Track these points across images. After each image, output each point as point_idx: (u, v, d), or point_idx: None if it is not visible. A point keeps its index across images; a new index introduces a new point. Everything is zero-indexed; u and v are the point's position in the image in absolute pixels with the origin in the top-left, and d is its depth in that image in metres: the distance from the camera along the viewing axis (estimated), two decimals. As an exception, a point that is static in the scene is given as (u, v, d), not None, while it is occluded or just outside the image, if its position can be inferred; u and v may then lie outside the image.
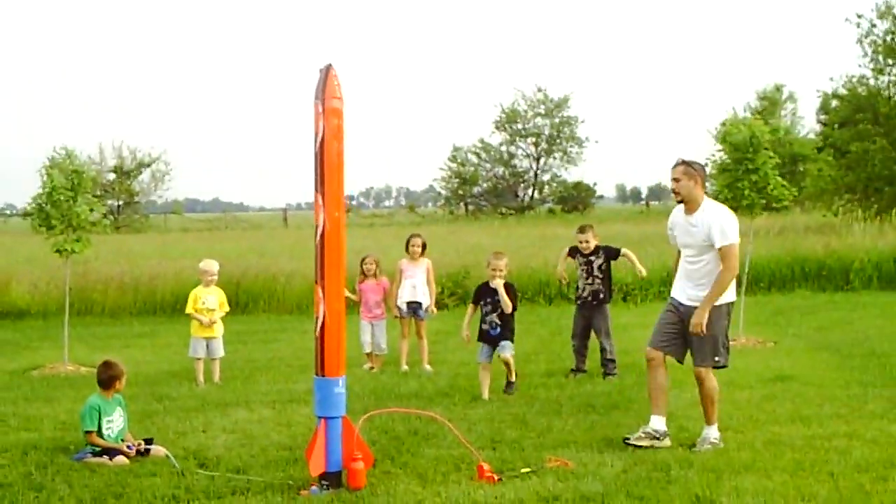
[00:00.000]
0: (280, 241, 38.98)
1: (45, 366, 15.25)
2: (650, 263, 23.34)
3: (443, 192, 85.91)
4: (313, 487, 7.87)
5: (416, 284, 14.33)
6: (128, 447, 9.23)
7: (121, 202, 73.16)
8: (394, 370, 13.99)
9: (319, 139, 7.95)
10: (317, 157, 7.99)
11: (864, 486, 7.50)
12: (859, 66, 41.54)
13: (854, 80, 40.29)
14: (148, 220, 74.74)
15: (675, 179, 9.36)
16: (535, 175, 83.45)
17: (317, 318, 8.05)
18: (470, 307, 12.42)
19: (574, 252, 13.72)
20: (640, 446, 9.05)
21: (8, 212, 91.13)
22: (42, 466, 8.88)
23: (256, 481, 8.12)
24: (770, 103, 71.15)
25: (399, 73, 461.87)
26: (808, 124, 70.18)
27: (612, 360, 13.22)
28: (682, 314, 9.38)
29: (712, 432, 9.28)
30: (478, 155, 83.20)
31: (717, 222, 9.14)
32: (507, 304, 11.89)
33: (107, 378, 9.63)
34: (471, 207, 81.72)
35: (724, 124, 16.28)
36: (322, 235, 8.01)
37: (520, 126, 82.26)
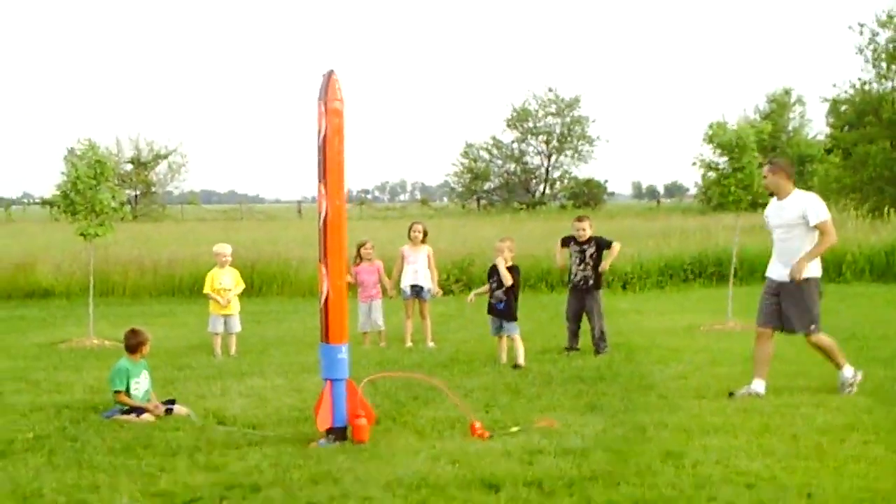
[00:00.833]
0: (294, 231, 39.73)
1: (71, 340, 16.23)
2: (650, 255, 24.35)
3: (456, 187, 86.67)
4: (321, 440, 8.69)
5: (418, 269, 15.27)
6: (154, 406, 10.11)
7: (138, 192, 74.04)
8: (398, 346, 14.90)
9: (322, 136, 8.86)
10: (320, 152, 8.91)
11: (821, 445, 8.25)
12: (862, 70, 42.25)
13: (857, 85, 40.94)
14: (165, 210, 75.65)
15: (764, 177, 11.34)
16: (547, 172, 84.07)
17: (321, 292, 8.94)
18: (486, 286, 13.79)
19: (567, 241, 14.55)
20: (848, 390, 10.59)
21: (26, 200, 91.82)
22: (75, 422, 9.78)
23: (270, 436, 8.96)
24: (779, 105, 71.91)
25: (415, 72, 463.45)
26: (817, 126, 70.90)
27: (604, 340, 14.04)
28: (778, 289, 10.96)
29: (846, 371, 10.80)
30: (489, 152, 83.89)
31: (809, 205, 10.79)
32: (505, 278, 13.14)
33: (134, 343, 10.51)
34: (483, 202, 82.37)
35: (710, 126, 16.95)
36: (325, 221, 8.93)
37: (531, 124, 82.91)
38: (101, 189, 16.15)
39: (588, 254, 14.19)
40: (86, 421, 9.83)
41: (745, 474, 7.38)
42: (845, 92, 41.59)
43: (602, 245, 14.29)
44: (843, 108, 42.69)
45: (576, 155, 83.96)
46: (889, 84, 39.71)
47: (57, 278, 23.39)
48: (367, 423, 8.81)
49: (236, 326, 14.59)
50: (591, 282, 14.21)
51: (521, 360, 13.00)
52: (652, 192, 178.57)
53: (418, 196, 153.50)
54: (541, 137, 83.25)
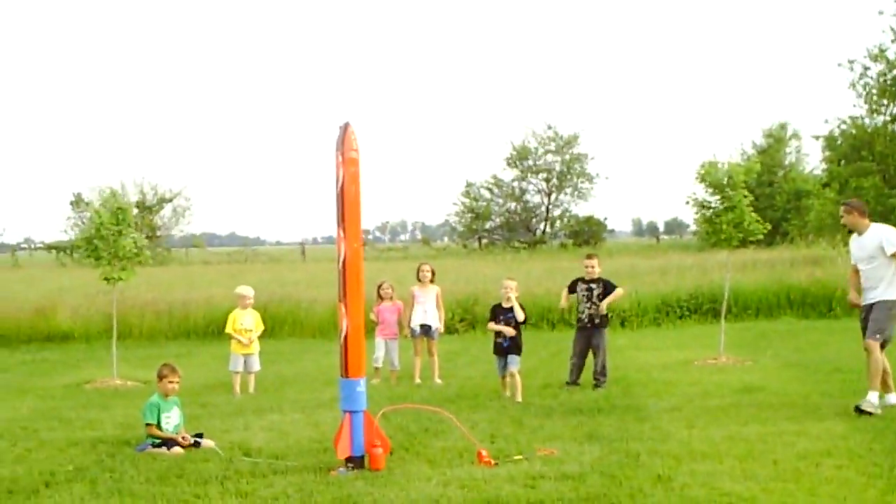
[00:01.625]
0: (299, 273, 40.56)
1: (95, 380, 17.02)
2: (647, 293, 25.14)
3: (457, 226, 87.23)
4: (341, 469, 9.46)
5: (427, 309, 16.09)
6: (182, 438, 10.91)
7: (144, 236, 74.70)
8: (408, 383, 15.68)
9: (340, 184, 9.71)
10: (338, 198, 9.74)
11: (799, 469, 9.02)
12: (854, 106, 42.85)
13: (849, 121, 41.64)
14: (170, 253, 76.42)
15: (842, 216, 12.73)
16: (547, 210, 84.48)
17: (340, 330, 9.78)
18: (490, 324, 14.50)
19: (574, 285, 15.36)
20: (869, 413, 11.68)
21: (26, 246, 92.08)
22: (110, 455, 10.58)
23: (293, 465, 9.74)
24: (775, 140, 72.66)
25: (414, 111, 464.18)
26: (813, 161, 71.56)
27: (604, 375, 14.86)
28: (868, 310, 12.41)
29: (872, 396, 11.95)
30: (490, 190, 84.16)
31: (885, 236, 12.30)
32: (518, 314, 14.07)
33: (158, 373, 11.52)
34: (484, 241, 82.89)
35: (702, 166, 17.71)
36: (343, 262, 9.73)
37: (531, 162, 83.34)
38: (123, 235, 16.94)
39: (595, 293, 15.02)
40: (120, 454, 10.60)
41: (728, 495, 8.14)
42: (838, 128, 42.34)
43: (609, 288, 15.10)
44: (839, 141, 43.30)
45: (575, 193, 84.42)
46: (881, 119, 40.43)
47: (75, 322, 24.17)
48: (383, 452, 9.61)
49: (256, 365, 15.42)
50: (597, 320, 15.01)
51: (518, 398, 13.72)
52: (652, 229, 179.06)
53: (419, 236, 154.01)
54: (541, 175, 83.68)
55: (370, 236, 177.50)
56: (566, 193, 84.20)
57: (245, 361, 15.30)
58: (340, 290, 9.80)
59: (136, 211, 74.61)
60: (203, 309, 24.22)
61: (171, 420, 11.17)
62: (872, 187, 38.07)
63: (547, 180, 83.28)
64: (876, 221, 12.94)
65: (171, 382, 11.44)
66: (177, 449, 10.71)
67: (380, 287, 16.27)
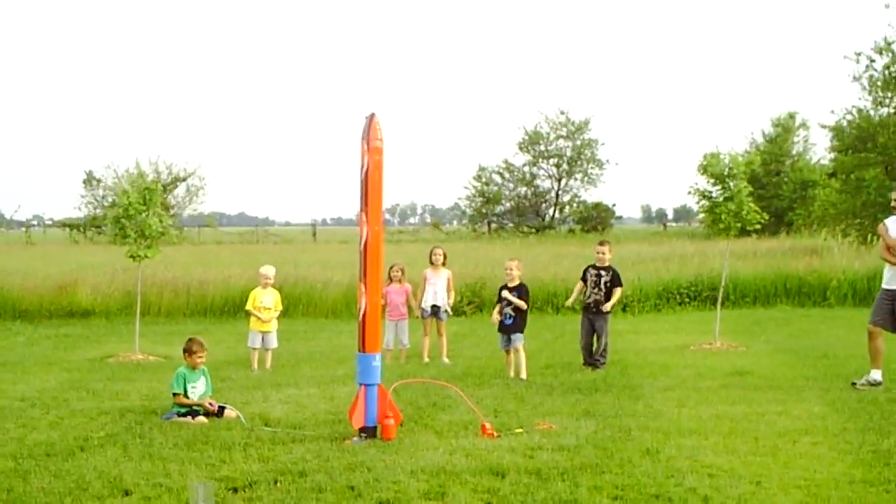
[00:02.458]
0: (311, 255, 41.22)
1: (118, 355, 17.81)
2: (649, 279, 25.90)
3: (467, 210, 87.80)
4: (355, 438, 10.25)
5: (438, 291, 16.88)
6: (209, 404, 11.72)
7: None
8: (417, 361, 16.48)
9: (364, 170, 10.45)
10: (362, 185, 10.49)
11: (777, 445, 9.78)
12: (859, 98, 43.29)
13: (854, 112, 42.11)
14: (182, 232, 77.05)
15: (894, 198, 13.31)
16: (557, 195, 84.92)
17: (359, 307, 10.57)
18: (505, 292, 15.25)
19: (585, 272, 16.22)
20: (862, 390, 12.80)
21: (35, 223, 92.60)
22: (139, 423, 11.37)
23: (310, 434, 10.53)
24: (784, 130, 72.99)
25: (426, 95, 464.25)
26: (821, 150, 71.93)
27: (604, 357, 15.67)
28: (893, 298, 13.11)
29: (875, 374, 13.11)
30: (501, 175, 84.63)
31: None
32: (518, 302, 14.91)
33: (186, 347, 12.32)
34: (494, 225, 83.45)
35: (704, 157, 18.39)
36: (365, 245, 10.49)
37: (542, 148, 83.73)
38: (150, 215, 17.73)
39: (603, 280, 15.83)
40: (148, 422, 11.40)
41: (709, 467, 8.90)
42: (843, 118, 42.81)
43: (616, 279, 15.91)
44: (847, 130, 43.71)
45: (585, 178, 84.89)
46: (885, 110, 40.93)
47: (96, 298, 24.97)
48: (394, 423, 10.41)
49: (273, 343, 16.22)
50: (601, 305, 15.79)
51: (523, 375, 14.61)
52: (661, 216, 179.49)
53: (428, 219, 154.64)
54: (552, 161, 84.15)
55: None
56: (576, 179, 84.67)
57: (263, 338, 16.09)
58: (361, 270, 10.57)
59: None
60: (221, 288, 24.99)
61: (198, 390, 11.99)
62: (874, 179, 38.65)
63: (557, 165, 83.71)
64: (877, 213, 13.64)
65: (199, 357, 12.24)
66: (201, 419, 11.50)
67: (390, 269, 16.99)
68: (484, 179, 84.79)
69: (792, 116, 74.13)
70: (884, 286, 13.40)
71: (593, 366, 15.53)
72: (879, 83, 40.00)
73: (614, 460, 9.19)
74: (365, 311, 10.50)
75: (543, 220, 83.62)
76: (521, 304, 14.93)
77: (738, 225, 18.33)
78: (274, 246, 59.03)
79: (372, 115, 10.52)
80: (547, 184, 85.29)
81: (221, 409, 11.83)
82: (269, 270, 16.53)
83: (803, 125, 73.97)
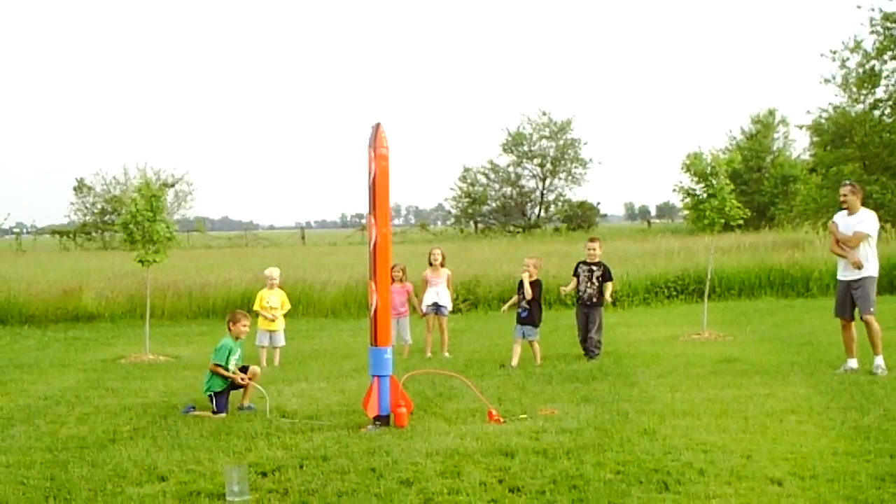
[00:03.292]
0: (303, 257, 41.84)
1: (129, 356, 18.43)
2: (637, 275, 26.64)
3: (453, 210, 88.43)
4: (369, 426, 10.92)
5: (439, 291, 17.60)
6: (241, 379, 12.54)
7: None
8: (419, 356, 17.16)
9: (372, 176, 11.13)
10: (370, 190, 11.17)
11: (765, 424, 10.49)
12: (835, 95, 44.25)
13: (831, 109, 43.05)
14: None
15: (844, 195, 14.16)
16: (542, 195, 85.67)
17: (370, 304, 11.26)
18: (514, 297, 16.49)
19: (577, 267, 16.99)
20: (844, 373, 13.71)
21: (17, 230, 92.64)
22: (162, 417, 12.03)
23: (327, 424, 11.20)
24: (764, 126, 73.94)
25: (408, 97, 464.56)
26: (800, 146, 72.87)
27: (598, 347, 16.39)
28: (847, 285, 14.06)
29: (880, 361, 13.83)
30: (486, 175, 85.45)
31: (866, 219, 13.95)
32: (527, 292, 15.94)
33: (230, 319, 13.01)
34: (480, 225, 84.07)
35: (687, 156, 19.14)
36: (374, 246, 11.18)
37: (526, 148, 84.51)
38: (157, 221, 18.37)
39: (595, 275, 16.58)
40: (171, 416, 12.06)
41: (703, 444, 9.59)
42: (819, 116, 43.73)
43: (607, 273, 16.67)
44: (826, 125, 44.56)
45: (569, 177, 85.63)
46: (860, 107, 41.89)
47: (100, 303, 25.61)
48: (406, 411, 11.10)
49: (280, 341, 16.89)
50: (594, 299, 16.53)
51: (538, 361, 15.71)
52: (644, 213, 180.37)
53: (412, 220, 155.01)
54: (535, 161, 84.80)
55: (363, 220, 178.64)
56: (560, 178, 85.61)
57: (270, 337, 16.76)
58: (371, 269, 11.26)
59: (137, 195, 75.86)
60: (222, 291, 25.64)
61: (235, 360, 12.74)
62: (852, 173, 39.58)
63: (541, 165, 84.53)
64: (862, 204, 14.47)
65: (244, 326, 12.94)
66: (221, 415, 12.14)
67: (392, 269, 17.66)
68: (469, 180, 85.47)
69: (772, 113, 75.23)
70: (838, 277, 14.39)
71: (588, 355, 16.23)
72: (853, 81, 40.92)
73: (614, 440, 9.87)
74: (376, 308, 11.18)
75: (529, 219, 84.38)
76: (527, 292, 16.02)
77: (722, 221, 19.07)
78: (264, 249, 59.66)
79: (378, 125, 11.19)
80: (532, 183, 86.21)
81: (250, 380, 12.67)
82: (273, 272, 17.20)
83: (783, 122, 75.05)
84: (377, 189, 11.12)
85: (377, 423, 11.00)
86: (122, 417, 12.14)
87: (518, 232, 76.53)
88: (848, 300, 14.11)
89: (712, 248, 20.76)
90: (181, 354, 18.82)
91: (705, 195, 19.01)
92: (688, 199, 19.59)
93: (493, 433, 10.36)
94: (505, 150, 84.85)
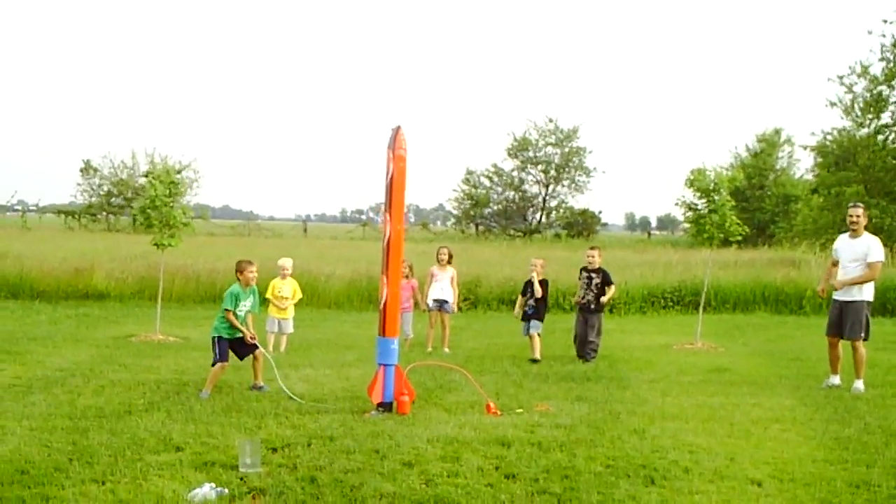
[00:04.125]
0: (306, 249, 42.28)
1: (139, 335, 19.00)
2: (635, 284, 27.21)
3: (454, 211, 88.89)
4: (373, 412, 11.50)
5: (444, 287, 18.21)
6: (251, 336, 13.14)
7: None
8: (420, 350, 17.72)
9: (389, 176, 11.68)
10: (387, 189, 11.75)
11: (750, 430, 11.04)
12: (840, 118, 44.75)
13: (835, 133, 43.62)
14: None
15: (858, 216, 14.57)
16: (544, 200, 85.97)
17: (381, 297, 11.83)
18: (520, 298, 17.60)
19: (581, 271, 17.63)
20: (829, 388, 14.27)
21: (18, 208, 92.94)
22: (175, 392, 12.62)
23: (332, 407, 11.77)
24: (768, 145, 74.40)
25: (415, 97, 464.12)
26: (804, 166, 73.27)
27: (595, 351, 17.00)
28: (841, 306, 14.48)
29: (860, 384, 14.20)
30: (490, 179, 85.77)
31: (872, 245, 14.39)
32: (537, 291, 17.01)
33: (239, 268, 13.58)
34: (481, 227, 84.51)
35: (691, 172, 19.70)
36: (388, 241, 11.75)
37: (531, 154, 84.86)
38: (174, 206, 18.93)
39: (594, 282, 17.20)
40: (184, 392, 12.66)
41: (689, 445, 10.14)
42: (824, 138, 44.29)
43: (606, 279, 17.27)
44: (830, 147, 45.07)
45: (572, 185, 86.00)
46: (864, 131, 42.45)
47: (110, 282, 26.19)
48: (409, 399, 11.67)
49: (289, 328, 17.47)
50: (593, 305, 17.14)
51: (536, 355, 16.57)
52: (645, 224, 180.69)
53: (412, 218, 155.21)
54: (540, 167, 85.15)
55: (363, 216, 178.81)
56: (563, 185, 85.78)
57: (279, 324, 17.33)
58: (383, 264, 11.83)
59: (145, 180, 76.21)
60: (229, 277, 26.05)
61: (245, 306, 13.30)
62: (854, 195, 40.11)
63: (545, 172, 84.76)
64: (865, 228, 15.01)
65: (250, 273, 13.48)
66: (220, 366, 12.91)
67: None
68: (472, 183, 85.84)
69: (777, 132, 75.60)
70: (833, 297, 14.87)
71: (584, 358, 16.80)
72: (859, 106, 41.49)
73: (606, 437, 10.43)
74: (386, 300, 11.76)
75: (530, 224, 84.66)
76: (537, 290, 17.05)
77: (722, 236, 19.64)
78: (266, 240, 60.04)
79: (398, 128, 11.75)
80: (535, 189, 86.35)
81: (254, 346, 13.26)
82: (286, 262, 17.77)
83: (788, 141, 75.42)
84: (394, 188, 11.67)
85: (380, 409, 11.56)
86: (136, 391, 12.73)
87: (518, 236, 76.93)
88: (840, 320, 14.58)
89: (710, 261, 21.34)
90: (189, 336, 19.37)
91: (706, 210, 19.55)
92: (689, 214, 20.14)
93: (490, 424, 10.91)
94: (510, 154, 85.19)
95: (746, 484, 8.69)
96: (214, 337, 13.06)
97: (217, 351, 12.96)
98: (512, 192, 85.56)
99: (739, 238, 19.75)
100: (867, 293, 14.43)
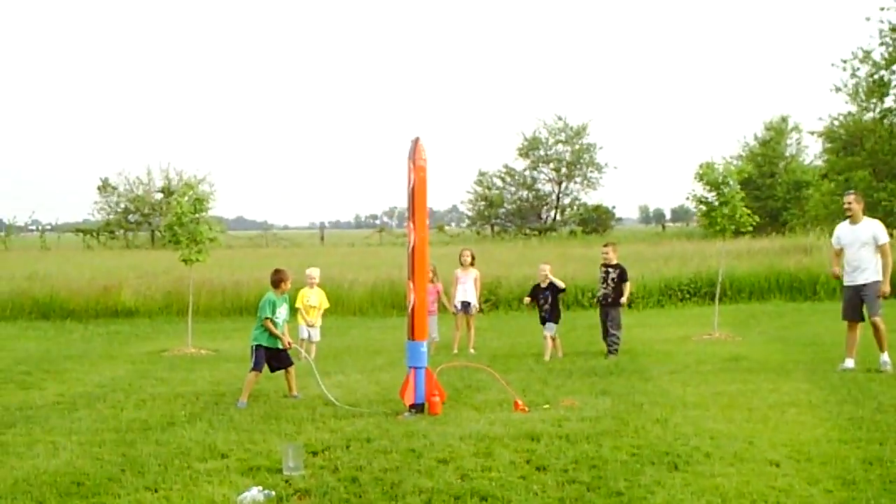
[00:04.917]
0: (325, 257, 42.78)
1: (171, 349, 19.53)
2: (652, 277, 27.62)
3: (468, 213, 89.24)
4: (406, 413, 12.01)
5: (467, 289, 18.72)
6: (288, 343, 13.72)
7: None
8: (446, 353, 18.21)
9: (411, 186, 12.19)
10: (409, 198, 12.26)
11: (767, 415, 11.51)
12: (846, 103, 45.05)
13: (841, 118, 43.96)
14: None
15: (849, 202, 15.27)
16: (558, 198, 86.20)
17: (408, 302, 12.35)
18: (527, 299, 18.18)
19: (601, 267, 18.19)
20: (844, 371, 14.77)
21: (33, 227, 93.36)
22: (214, 403, 13.14)
23: (366, 411, 12.26)
24: (776, 133, 74.58)
25: (426, 100, 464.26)
26: (813, 152, 73.42)
27: (616, 344, 17.50)
28: (856, 290, 15.04)
29: (886, 357, 14.92)
30: (503, 179, 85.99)
31: (877, 228, 15.04)
32: (560, 283, 17.66)
33: (277, 279, 14.02)
34: (496, 228, 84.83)
35: (700, 166, 20.18)
36: (413, 248, 12.26)
37: (542, 152, 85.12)
38: (200, 222, 19.46)
39: (611, 277, 17.72)
40: (223, 403, 13.17)
41: (710, 431, 10.61)
42: (831, 124, 44.65)
43: (623, 275, 17.78)
44: (838, 132, 45.41)
45: (585, 181, 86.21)
46: (870, 115, 42.80)
47: (138, 299, 26.77)
48: (440, 400, 12.18)
49: (316, 336, 17.97)
50: (610, 299, 17.67)
51: (546, 357, 16.98)
52: (659, 216, 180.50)
53: (427, 221, 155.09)
54: (551, 165, 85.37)
55: (377, 221, 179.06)
56: (576, 182, 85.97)
57: (309, 332, 17.83)
58: (409, 270, 12.34)
59: (161, 196, 77.24)
60: (254, 289, 26.62)
61: (282, 314, 13.82)
62: (861, 180, 40.50)
63: (557, 170, 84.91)
64: (865, 213, 15.51)
65: (287, 284, 14.03)
66: (253, 374, 13.44)
67: None
68: (485, 184, 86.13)
69: (784, 120, 75.70)
70: (845, 283, 15.40)
71: (608, 351, 17.38)
72: (863, 90, 41.82)
73: (630, 427, 10.91)
74: (413, 305, 12.27)
75: (545, 222, 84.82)
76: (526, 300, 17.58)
77: (733, 227, 20.10)
78: (285, 249, 60.58)
79: (417, 139, 12.25)
80: (547, 187, 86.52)
81: (288, 359, 13.88)
82: (314, 272, 18.26)
83: (796, 128, 75.50)
84: (416, 197, 12.18)
85: (413, 410, 12.06)
86: (176, 403, 13.26)
87: (534, 235, 77.12)
88: (856, 304, 15.10)
89: (723, 252, 21.79)
90: (220, 348, 19.89)
91: (717, 203, 20.03)
92: (701, 207, 20.60)
93: (519, 420, 11.40)
94: (521, 154, 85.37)
95: (765, 465, 9.16)
96: (253, 345, 13.60)
97: (255, 359, 13.52)
98: (525, 192, 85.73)
99: (750, 228, 20.19)
100: (877, 273, 14.99)
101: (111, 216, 76.92)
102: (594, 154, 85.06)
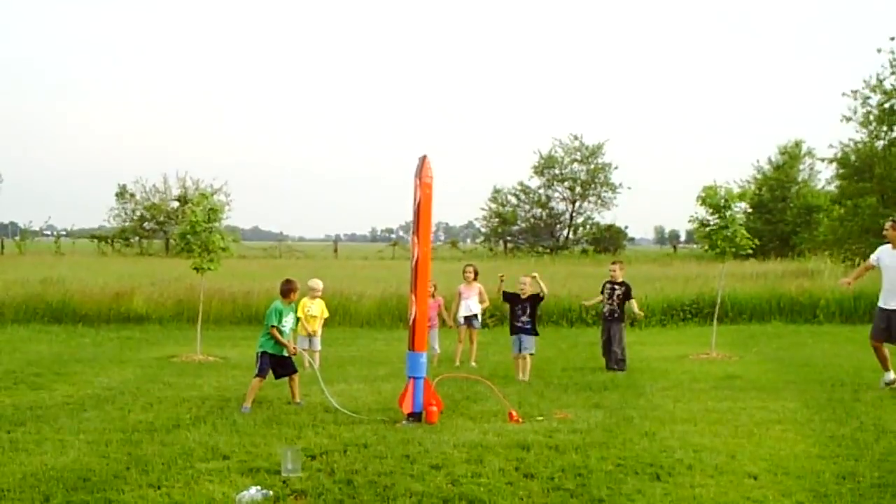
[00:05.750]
0: (338, 269, 43.25)
1: (180, 355, 19.97)
2: (655, 297, 28.01)
3: (483, 229, 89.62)
4: (404, 421, 12.42)
5: (470, 304, 19.10)
6: (293, 349, 14.18)
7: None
8: (448, 365, 18.56)
9: (417, 202, 12.63)
10: (415, 214, 12.70)
11: (753, 431, 11.87)
12: (856, 131, 45.33)
13: (852, 145, 44.35)
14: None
15: (887, 228, 15.52)
16: (571, 217, 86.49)
17: (410, 314, 12.79)
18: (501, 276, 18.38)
19: (604, 286, 18.67)
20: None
21: (48, 232, 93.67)
22: (219, 408, 13.57)
23: (366, 419, 12.68)
24: (790, 157, 74.80)
25: (439, 114, 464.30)
26: (825, 177, 73.64)
27: (622, 360, 18.02)
28: (889, 314, 15.33)
29: (887, 375, 15.44)
30: (517, 197, 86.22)
31: None
32: (543, 289, 17.81)
33: (286, 289, 14.47)
34: (510, 245, 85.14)
35: (703, 189, 20.54)
36: (416, 262, 12.69)
37: (557, 171, 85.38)
38: (213, 231, 19.95)
39: (616, 294, 18.25)
40: (227, 407, 13.58)
41: (695, 445, 10.99)
42: (841, 150, 45.01)
43: (628, 292, 18.31)
44: (850, 157, 45.73)
45: (599, 201, 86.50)
46: (880, 143, 43.17)
47: (149, 306, 27.22)
48: (437, 409, 12.59)
49: (317, 345, 18.35)
50: (615, 314, 18.19)
51: (526, 377, 16.93)
52: (674, 237, 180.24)
53: (442, 237, 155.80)
54: (566, 184, 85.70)
55: (393, 235, 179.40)
56: (590, 202, 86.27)
57: (309, 341, 18.24)
58: (412, 283, 12.78)
59: (177, 204, 77.62)
60: (264, 299, 26.90)
61: (288, 322, 14.26)
62: (868, 206, 40.85)
63: (571, 189, 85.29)
64: (871, 239, 15.85)
65: (294, 294, 14.51)
66: (257, 380, 13.85)
67: None
68: (500, 201, 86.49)
69: (798, 145, 75.83)
70: (881, 305, 15.70)
71: (609, 367, 17.84)
72: (873, 118, 42.22)
73: (618, 440, 11.32)
74: (415, 317, 12.70)
75: (558, 240, 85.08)
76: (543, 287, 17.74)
77: (733, 249, 20.48)
78: (298, 261, 60.95)
79: (424, 157, 12.69)
80: (561, 206, 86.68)
81: (293, 366, 14.27)
82: (316, 283, 18.66)
83: (809, 153, 75.64)
84: (421, 213, 12.62)
85: (411, 419, 12.48)
86: (182, 407, 13.69)
87: (546, 253, 77.38)
88: (888, 326, 15.40)
89: (723, 274, 22.17)
90: (228, 356, 20.31)
91: (717, 226, 20.44)
92: (701, 230, 20.99)
93: (512, 431, 11.82)
94: (536, 172, 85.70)
95: (743, 477, 9.55)
96: (259, 352, 14.03)
97: (259, 365, 13.94)
98: (539, 210, 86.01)
99: (750, 251, 20.56)
100: None
101: (127, 223, 77.42)
102: (609, 174, 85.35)
